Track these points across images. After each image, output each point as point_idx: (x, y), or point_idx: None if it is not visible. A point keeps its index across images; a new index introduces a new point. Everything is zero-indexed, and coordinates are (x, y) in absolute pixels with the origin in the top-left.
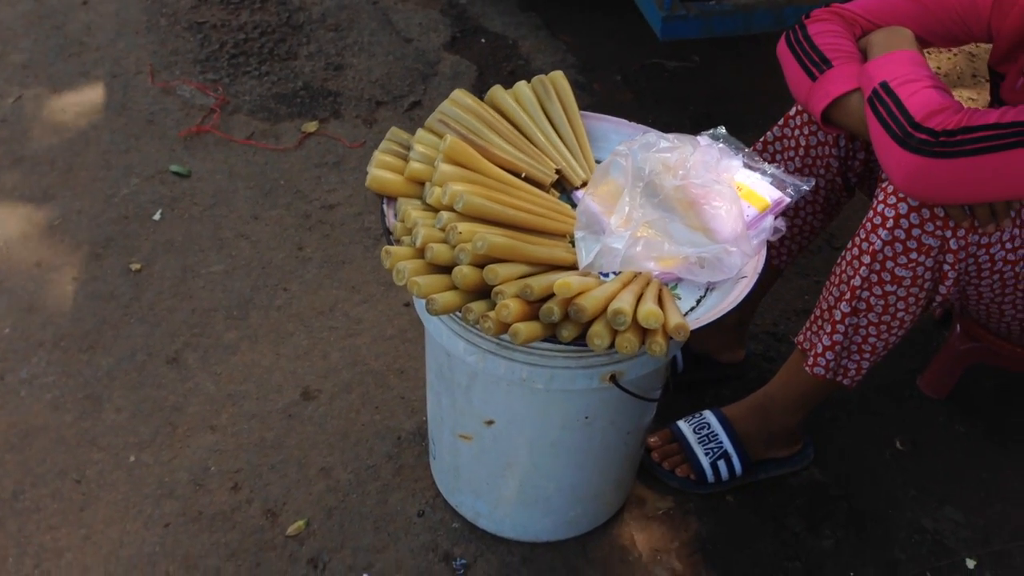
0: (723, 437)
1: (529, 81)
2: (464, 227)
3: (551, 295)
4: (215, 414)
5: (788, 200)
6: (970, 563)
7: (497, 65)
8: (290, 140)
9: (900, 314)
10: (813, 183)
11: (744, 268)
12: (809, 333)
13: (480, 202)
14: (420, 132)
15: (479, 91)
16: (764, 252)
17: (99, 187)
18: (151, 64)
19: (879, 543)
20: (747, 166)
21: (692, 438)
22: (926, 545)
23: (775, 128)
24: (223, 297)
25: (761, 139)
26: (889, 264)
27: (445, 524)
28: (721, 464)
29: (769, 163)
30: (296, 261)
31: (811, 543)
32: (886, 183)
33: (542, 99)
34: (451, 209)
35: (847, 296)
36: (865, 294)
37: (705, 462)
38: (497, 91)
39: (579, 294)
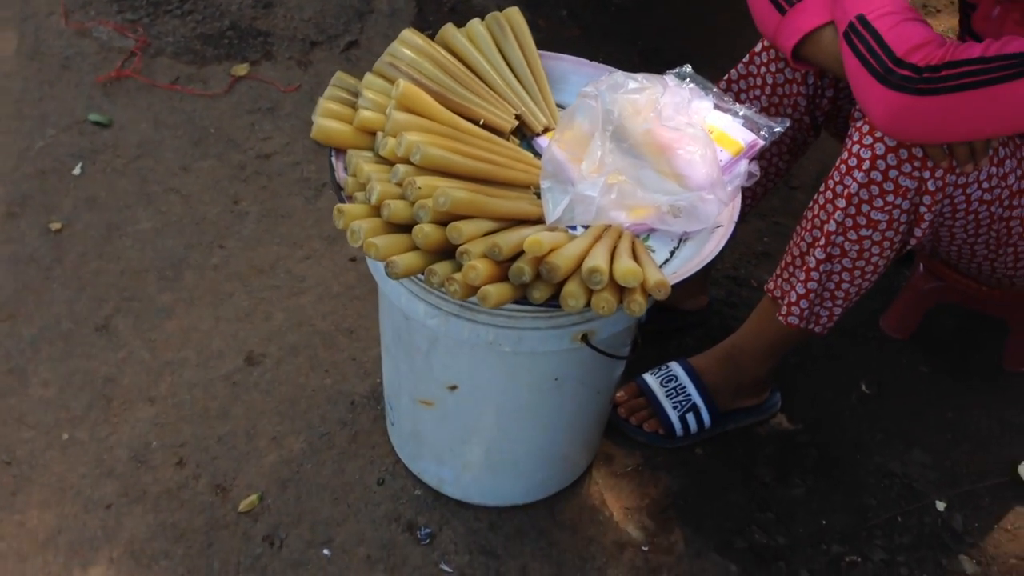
0: (691, 389)
1: (483, 19)
2: (423, 181)
3: (520, 254)
4: (153, 384)
5: (762, 143)
6: (940, 505)
7: (437, 0)
8: (219, 85)
9: (874, 259)
10: (788, 124)
11: (720, 216)
12: (780, 281)
13: (439, 153)
14: (368, 77)
15: (421, 28)
16: (739, 199)
17: (12, 140)
18: (64, 4)
19: (848, 489)
20: (718, 107)
21: (659, 392)
22: (895, 489)
23: (740, 66)
24: (154, 257)
25: (725, 77)
26: (865, 208)
27: (407, 492)
28: (690, 417)
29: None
30: (232, 216)
31: (781, 492)
32: (860, 123)
33: (498, 39)
34: (407, 162)
35: (821, 242)
36: (839, 239)
37: (674, 416)
38: (449, 30)
39: (550, 251)
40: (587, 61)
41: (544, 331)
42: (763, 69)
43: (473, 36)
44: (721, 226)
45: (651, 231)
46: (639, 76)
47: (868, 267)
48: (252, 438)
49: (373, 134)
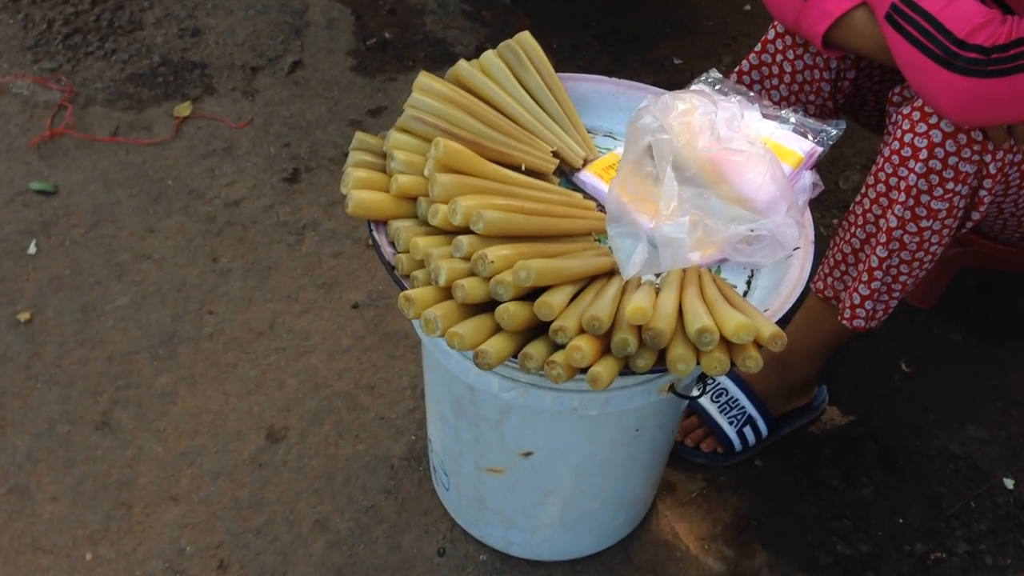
0: (744, 401)
1: (495, 48)
2: (493, 253)
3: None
4: (172, 481)
5: (821, 150)
6: (1008, 483)
7: (374, 4)
8: (164, 129)
9: (933, 248)
10: (843, 126)
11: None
12: (832, 280)
13: (500, 217)
14: (394, 135)
15: (361, 38)
16: (809, 215)
17: None
18: None
19: (916, 479)
20: (765, 116)
21: (712, 408)
22: (961, 472)
23: (751, 55)
24: (140, 336)
25: (736, 69)
26: (924, 198)
27: (472, 559)
28: (747, 430)
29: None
30: (214, 276)
31: (851, 494)
32: (909, 109)
33: (515, 69)
34: (465, 230)
35: (882, 239)
36: (899, 233)
37: (731, 431)
38: (463, 67)
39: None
40: (606, 78)
41: (632, 388)
42: (779, 57)
43: (488, 70)
44: (799, 248)
45: (721, 262)
46: (682, 94)
47: (927, 257)
48: (293, 525)
49: (412, 199)
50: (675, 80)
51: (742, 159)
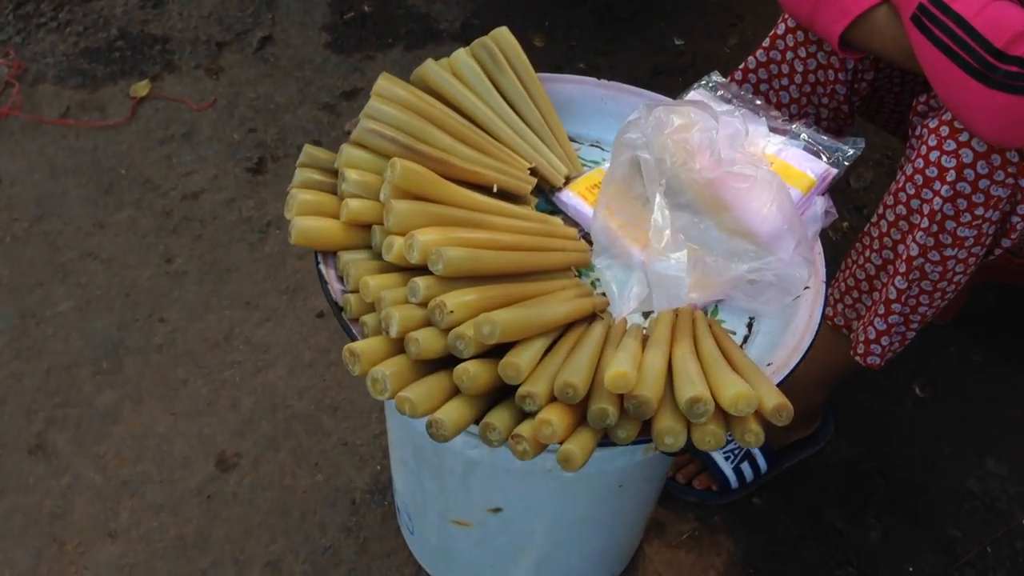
0: None
1: (468, 45)
2: (453, 301)
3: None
4: (111, 514)
5: (836, 173)
6: None
7: None
8: (119, 111)
9: (957, 277)
10: (862, 145)
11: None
12: (843, 307)
13: (465, 256)
14: (347, 150)
15: (338, 11)
16: (820, 248)
17: None
18: None
19: (928, 521)
20: (772, 129)
21: None
22: (978, 513)
23: (758, 52)
24: (83, 346)
25: (740, 67)
26: (950, 225)
27: None
28: (745, 466)
29: (756, 95)
30: (167, 279)
31: (858, 537)
32: (935, 122)
33: (490, 71)
34: (425, 269)
35: (901, 269)
36: (920, 262)
37: (727, 467)
38: (430, 68)
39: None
40: (593, 80)
41: (613, 449)
42: (790, 54)
43: (460, 71)
44: (808, 287)
45: (719, 301)
46: (680, 107)
47: (950, 287)
48: (242, 567)
49: (366, 226)
50: (675, 63)
51: (746, 185)
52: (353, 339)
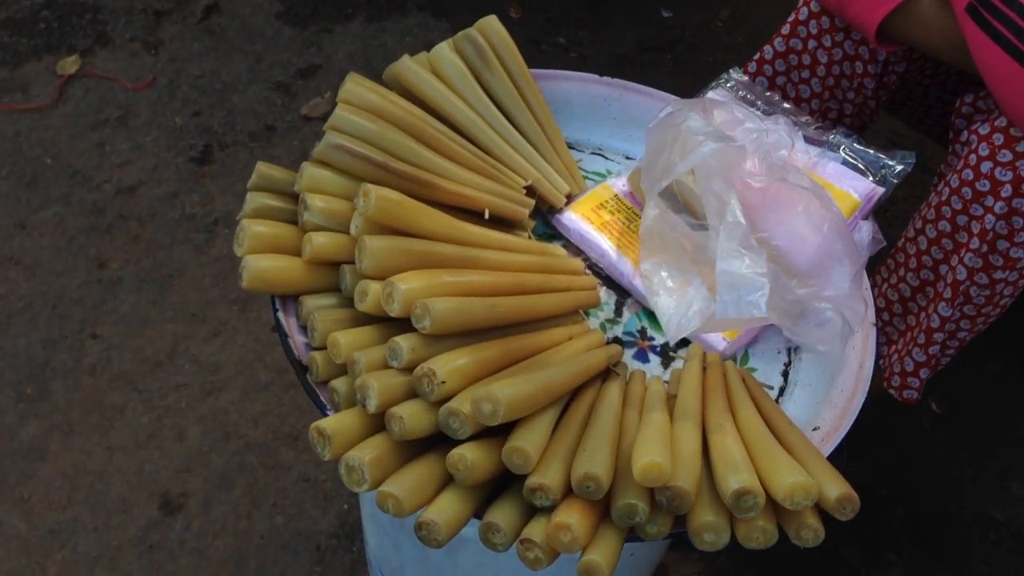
0: None
1: (451, 38)
2: (444, 368)
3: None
4: (37, 569)
5: (882, 192)
6: None
7: None
8: (44, 91)
9: (1004, 300)
10: (912, 160)
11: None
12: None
13: (456, 308)
14: (309, 171)
15: None
16: (867, 281)
17: None
18: None
19: (951, 555)
20: (808, 140)
21: None
22: (1004, 543)
23: (776, 40)
24: (2, 368)
25: (755, 58)
26: (1003, 245)
27: None
28: None
29: (773, 91)
30: (100, 287)
31: None
32: (988, 129)
33: (476, 69)
34: (406, 323)
35: (947, 295)
36: (966, 286)
37: None
38: (406, 67)
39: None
40: (595, 78)
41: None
42: (812, 44)
43: (441, 70)
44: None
45: (749, 345)
46: (719, 101)
47: (994, 311)
48: None
49: (334, 264)
50: (663, 38)
51: (800, 203)
52: (320, 407)
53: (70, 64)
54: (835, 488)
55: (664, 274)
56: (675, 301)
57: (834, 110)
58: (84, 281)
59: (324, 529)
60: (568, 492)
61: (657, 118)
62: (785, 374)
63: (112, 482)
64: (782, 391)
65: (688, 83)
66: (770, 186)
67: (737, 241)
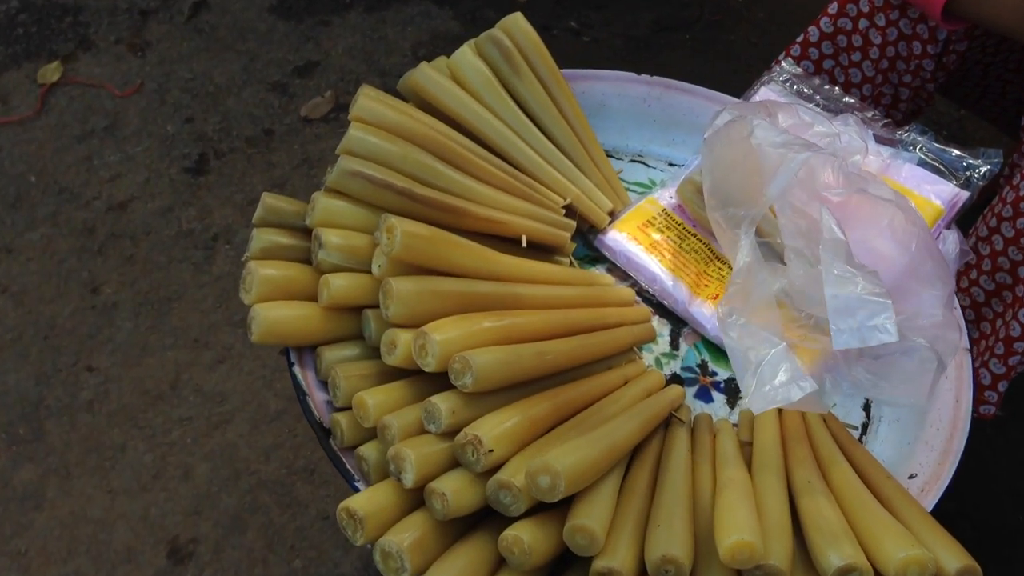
0: None
1: (473, 40)
2: (490, 435)
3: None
4: None
5: (966, 197)
6: None
7: None
8: (26, 102)
9: None
10: (999, 158)
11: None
12: None
13: (500, 361)
14: (323, 202)
15: None
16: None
17: None
18: None
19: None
20: (879, 139)
21: None
22: None
23: (823, 20)
24: None
25: (799, 40)
26: None
27: None
28: None
29: (818, 74)
30: (94, 315)
31: None
32: None
33: (503, 74)
34: (443, 380)
35: None
36: None
37: None
38: (424, 76)
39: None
40: (633, 76)
41: None
42: (863, 23)
43: (465, 78)
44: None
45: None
46: (770, 114)
47: None
48: None
49: (355, 309)
50: (680, 17)
51: (883, 216)
52: (347, 478)
53: (51, 71)
54: (954, 559)
55: (745, 327)
56: (745, 354)
57: (888, 95)
58: (77, 308)
59: (347, 572)
60: (642, 573)
61: (714, 126)
62: (867, 408)
63: (115, 530)
64: (865, 428)
65: (708, 64)
66: (848, 199)
67: (843, 259)
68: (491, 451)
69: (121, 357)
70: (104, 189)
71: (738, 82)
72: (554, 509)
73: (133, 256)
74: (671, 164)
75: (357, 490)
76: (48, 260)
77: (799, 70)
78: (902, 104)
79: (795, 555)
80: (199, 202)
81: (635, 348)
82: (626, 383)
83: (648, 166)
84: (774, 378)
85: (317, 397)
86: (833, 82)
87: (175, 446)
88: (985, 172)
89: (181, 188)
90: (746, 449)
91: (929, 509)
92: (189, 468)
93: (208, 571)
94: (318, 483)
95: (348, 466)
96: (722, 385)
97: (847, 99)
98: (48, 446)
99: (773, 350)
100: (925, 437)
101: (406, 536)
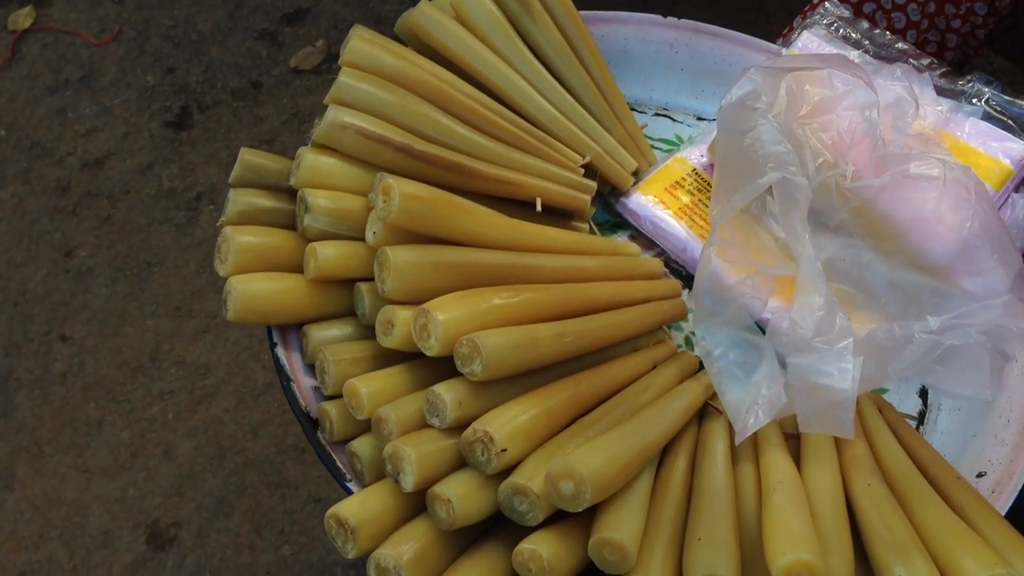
0: None
1: None
2: (503, 431)
3: None
4: None
5: None
6: None
7: None
8: None
9: None
10: None
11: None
12: None
13: (514, 345)
14: (309, 158)
15: None
16: None
17: None
18: None
19: None
20: (940, 90)
21: None
22: None
23: None
24: None
25: None
26: None
27: None
28: None
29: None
30: (68, 280)
31: None
32: None
33: (514, 14)
34: (447, 366)
35: None
36: None
37: None
38: (424, 15)
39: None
40: (659, 19)
41: None
42: None
43: (471, 18)
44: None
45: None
46: (813, 67)
47: None
48: None
49: (346, 282)
50: None
51: (933, 194)
52: (337, 477)
53: (23, 17)
54: None
55: (719, 333)
56: (730, 380)
57: (933, 42)
58: (49, 273)
59: (340, 560)
60: None
61: (731, 94)
62: (923, 395)
63: (91, 512)
64: (922, 418)
65: (729, 5)
66: (902, 181)
67: (813, 320)
68: (504, 450)
69: (97, 326)
70: (79, 144)
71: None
72: (576, 517)
73: (110, 217)
74: (700, 118)
75: (349, 491)
76: (19, 221)
77: (846, 12)
78: (948, 53)
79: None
80: (181, 159)
81: (664, 327)
82: (655, 367)
83: (674, 120)
84: (759, 396)
85: (303, 383)
86: (873, 26)
87: (155, 422)
88: None
89: (162, 144)
90: (791, 443)
91: (1002, 513)
92: (170, 446)
93: (191, 557)
94: (309, 463)
95: (339, 463)
96: None
97: (900, 44)
98: (18, 421)
99: (759, 363)
100: (994, 429)
101: (405, 549)
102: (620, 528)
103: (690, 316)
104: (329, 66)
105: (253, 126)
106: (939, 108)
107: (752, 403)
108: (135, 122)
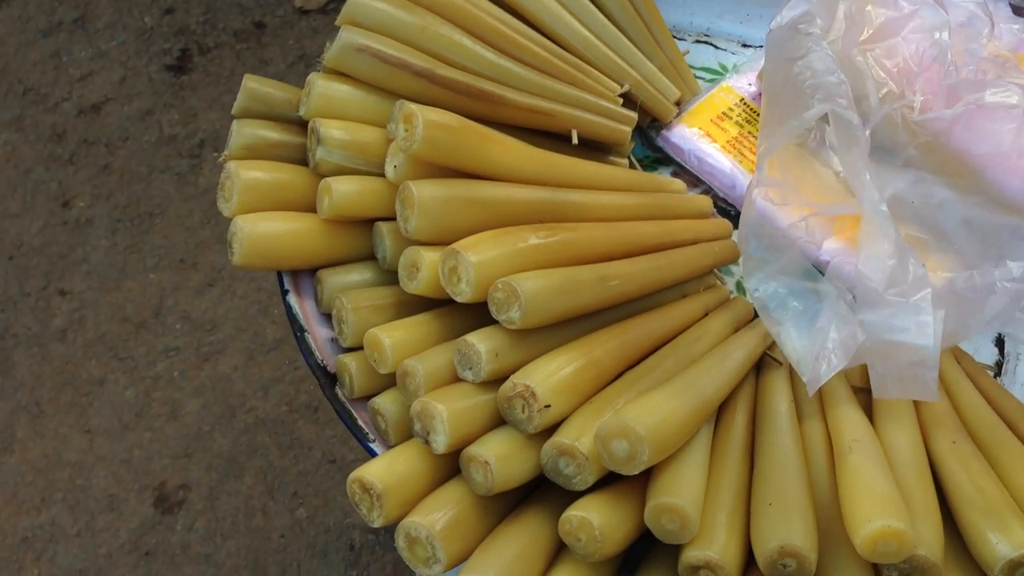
0: None
1: None
2: (545, 385)
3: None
4: None
5: None
6: None
7: None
8: None
9: None
10: None
11: None
12: None
13: (554, 289)
14: (321, 84)
15: None
16: None
17: None
18: None
19: None
20: (1015, 9)
21: None
22: None
23: None
24: None
25: None
26: None
27: None
28: None
29: None
30: (66, 231)
31: None
32: None
33: None
34: (482, 313)
35: None
36: None
37: None
38: None
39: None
40: None
41: None
42: None
43: None
44: None
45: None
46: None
47: None
48: None
49: (364, 222)
50: None
51: (1012, 125)
52: (359, 437)
53: None
54: None
55: (775, 284)
56: (795, 328)
57: None
58: (46, 224)
59: (358, 522)
60: (747, 565)
61: (779, 16)
62: (1000, 343)
63: (95, 474)
64: (1000, 369)
65: None
66: (975, 112)
67: (885, 272)
68: (547, 406)
69: (97, 280)
70: (75, 89)
71: None
72: (628, 481)
73: (109, 165)
74: (745, 45)
75: (372, 452)
76: (13, 170)
77: None
78: None
79: (948, 552)
80: (182, 104)
81: (715, 270)
82: (706, 315)
83: (717, 47)
84: (828, 341)
85: (319, 334)
86: None
87: (160, 380)
88: None
89: (161, 88)
90: (860, 397)
91: None
92: (177, 405)
93: (201, 520)
94: (323, 422)
95: (360, 422)
96: None
97: None
98: (17, 380)
99: (824, 310)
100: None
101: (438, 517)
102: (680, 493)
103: (741, 260)
104: (337, 6)
105: (257, 69)
106: (1016, 27)
107: (821, 349)
108: (133, 66)
